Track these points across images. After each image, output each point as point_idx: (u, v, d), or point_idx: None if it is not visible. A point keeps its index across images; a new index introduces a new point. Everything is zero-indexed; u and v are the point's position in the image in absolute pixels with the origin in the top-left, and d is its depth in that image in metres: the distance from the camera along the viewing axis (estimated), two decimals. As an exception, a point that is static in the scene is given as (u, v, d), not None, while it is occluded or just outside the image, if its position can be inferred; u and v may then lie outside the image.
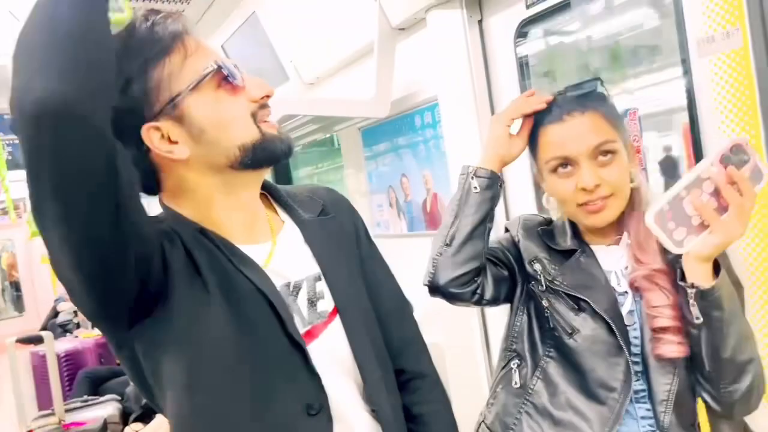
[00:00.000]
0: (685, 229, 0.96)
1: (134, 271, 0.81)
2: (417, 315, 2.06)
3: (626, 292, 1.15)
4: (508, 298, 1.30)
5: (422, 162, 2.38)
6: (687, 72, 1.43)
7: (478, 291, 1.23)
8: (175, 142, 0.87)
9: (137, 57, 0.86)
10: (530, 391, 1.20)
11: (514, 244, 1.30)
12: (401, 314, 1.14)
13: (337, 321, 0.99)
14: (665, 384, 1.10)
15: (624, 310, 1.14)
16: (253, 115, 0.91)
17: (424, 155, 2.37)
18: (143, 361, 0.88)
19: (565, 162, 1.14)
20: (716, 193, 0.95)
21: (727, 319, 1.00)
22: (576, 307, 1.16)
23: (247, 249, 0.94)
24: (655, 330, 1.10)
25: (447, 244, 1.21)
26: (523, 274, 1.26)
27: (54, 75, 0.69)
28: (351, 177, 2.90)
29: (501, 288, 1.27)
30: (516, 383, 1.23)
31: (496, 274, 1.26)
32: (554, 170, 1.16)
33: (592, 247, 1.22)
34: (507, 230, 1.34)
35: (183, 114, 0.87)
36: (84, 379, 4.37)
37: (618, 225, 1.19)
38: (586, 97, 1.17)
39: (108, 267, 0.78)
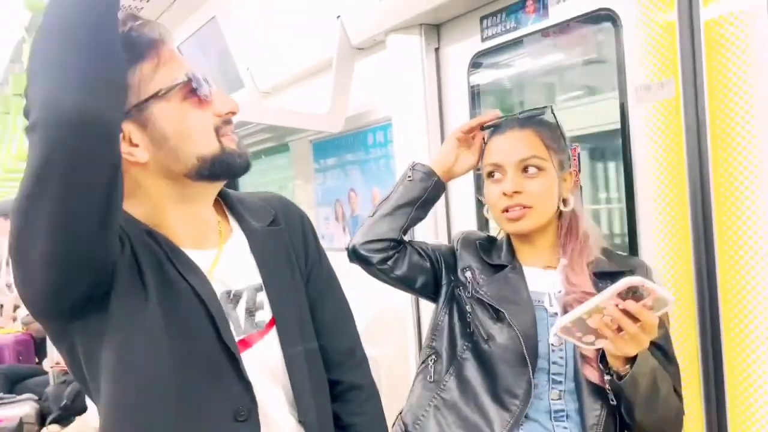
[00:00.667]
0: (592, 336, 1.05)
1: (102, 267, 0.84)
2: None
3: (557, 313, 1.24)
4: (428, 294, 1.42)
5: (372, 179, 2.43)
6: (624, 116, 1.54)
7: (389, 263, 1.36)
8: (136, 145, 0.89)
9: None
10: (442, 387, 1.30)
11: (453, 252, 1.41)
12: (341, 325, 1.17)
13: (273, 332, 1.01)
14: (596, 409, 1.19)
15: (552, 331, 1.21)
16: (216, 129, 0.93)
17: (374, 173, 2.42)
18: (81, 354, 0.89)
19: (496, 169, 1.31)
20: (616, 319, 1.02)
21: (641, 402, 1.11)
22: (495, 316, 1.27)
23: (192, 254, 0.95)
24: (581, 354, 1.18)
25: (370, 216, 1.40)
26: (453, 279, 1.38)
27: (82, 87, 0.74)
28: (299, 188, 2.93)
29: (416, 275, 1.39)
30: (430, 378, 1.33)
31: (416, 261, 1.39)
32: (488, 176, 1.34)
33: (529, 268, 1.31)
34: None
35: (148, 119, 0.89)
36: (0, 377, 4.18)
37: (555, 250, 1.29)
38: (531, 119, 1.34)
39: (85, 261, 0.81)
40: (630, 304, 1.00)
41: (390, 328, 2.07)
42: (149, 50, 0.89)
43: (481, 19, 1.90)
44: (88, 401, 2.85)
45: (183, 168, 0.91)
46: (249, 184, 3.00)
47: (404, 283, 1.41)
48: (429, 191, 1.38)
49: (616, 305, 1.00)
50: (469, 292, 1.32)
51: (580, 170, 1.55)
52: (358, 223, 2.51)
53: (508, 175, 1.28)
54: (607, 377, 1.12)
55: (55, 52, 0.76)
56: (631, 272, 1.24)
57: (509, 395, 1.22)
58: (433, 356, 1.35)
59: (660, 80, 1.45)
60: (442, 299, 1.39)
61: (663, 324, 1.22)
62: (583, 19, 1.64)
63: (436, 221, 2.07)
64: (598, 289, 1.20)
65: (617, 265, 1.27)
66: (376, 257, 1.37)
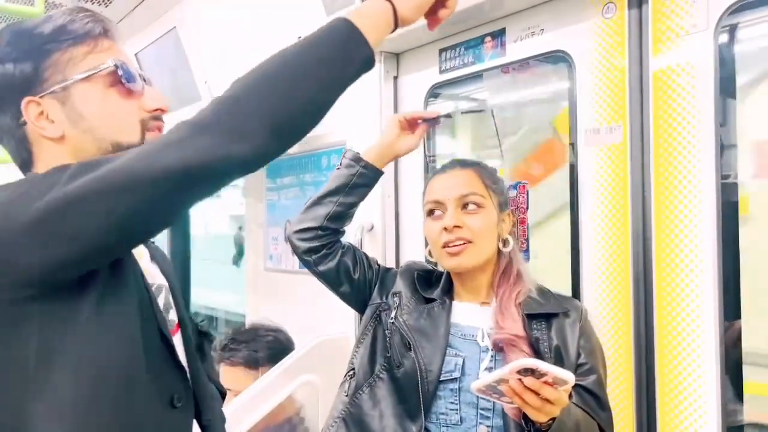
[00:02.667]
0: (507, 397, 1.08)
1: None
2: (296, 353, 2.07)
3: (487, 348, 1.25)
4: (349, 302, 1.46)
5: (323, 202, 2.41)
6: (573, 156, 1.56)
7: (314, 256, 1.40)
8: (51, 121, 0.90)
9: (43, 38, 0.90)
10: (354, 401, 1.33)
11: (393, 277, 1.44)
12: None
13: (179, 335, 1.04)
14: None
15: (482, 366, 1.25)
16: (142, 122, 0.95)
17: (326, 195, 2.40)
18: (35, 341, 0.81)
19: (437, 207, 1.33)
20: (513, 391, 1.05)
21: None
22: (408, 345, 1.29)
23: None
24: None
25: (304, 205, 1.44)
26: (382, 301, 1.40)
27: (283, 136, 0.83)
28: (250, 206, 2.88)
29: (341, 279, 1.42)
30: (345, 392, 1.37)
31: (347, 265, 1.42)
32: (429, 213, 1.36)
33: (465, 303, 1.33)
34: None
35: (67, 97, 0.90)
36: None
37: (492, 287, 1.30)
38: (473, 162, 1.39)
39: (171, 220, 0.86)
40: (528, 381, 1.03)
41: (331, 353, 2.03)
42: (86, 38, 0.91)
43: (440, 51, 1.92)
44: None
45: (96, 150, 0.92)
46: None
47: (327, 282, 1.44)
48: (355, 177, 1.40)
49: (519, 380, 1.03)
50: (391, 318, 1.34)
51: (528, 207, 1.56)
52: (307, 246, 2.48)
53: (449, 210, 1.31)
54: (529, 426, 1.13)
55: (291, 91, 0.83)
56: (566, 314, 1.26)
57: (411, 421, 1.26)
58: (351, 372, 1.39)
59: (609, 125, 1.48)
60: (367, 317, 1.41)
61: (596, 370, 1.23)
62: (539, 59, 1.67)
63: (385, 252, 2.06)
64: (531, 330, 1.22)
65: (552, 306, 1.29)
66: (302, 246, 1.40)
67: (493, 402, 1.21)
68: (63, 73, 0.90)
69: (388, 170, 2.06)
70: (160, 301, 1.00)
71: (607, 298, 1.49)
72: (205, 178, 0.79)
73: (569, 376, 1.03)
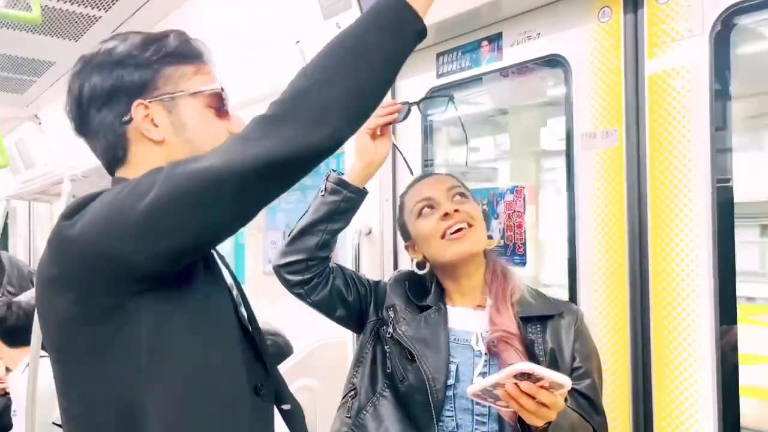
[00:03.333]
0: (502, 401, 1.08)
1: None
2: (294, 357, 2.07)
3: (480, 351, 1.25)
4: (346, 324, 1.44)
5: (322, 206, 2.41)
6: (569, 160, 1.56)
7: (306, 288, 1.35)
8: (156, 125, 0.98)
9: (167, 52, 1.00)
10: (358, 423, 1.31)
11: (383, 289, 1.41)
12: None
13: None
14: None
15: (476, 371, 1.23)
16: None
17: (325, 200, 2.40)
18: (144, 333, 0.88)
19: (429, 204, 1.34)
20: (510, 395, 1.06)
21: None
22: (410, 357, 1.27)
23: None
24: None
25: (288, 236, 1.37)
26: (380, 317, 1.36)
27: (356, 121, 0.90)
28: (249, 210, 2.89)
29: (335, 302, 1.38)
30: (347, 414, 1.34)
31: (339, 289, 1.38)
32: (419, 213, 1.35)
33: (458, 308, 1.32)
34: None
35: (174, 107, 0.99)
36: None
37: (483, 290, 1.29)
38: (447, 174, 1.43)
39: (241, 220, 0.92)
40: (525, 385, 1.03)
41: (328, 357, 2.04)
42: (196, 59, 1.02)
43: (438, 55, 1.93)
44: (16, 419, 2.71)
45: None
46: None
47: (322, 310, 1.40)
48: (342, 202, 1.34)
49: (515, 384, 1.03)
50: (389, 333, 1.32)
51: (525, 211, 1.57)
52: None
53: (442, 202, 1.33)
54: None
55: (365, 79, 0.89)
56: (561, 316, 1.26)
57: None
58: (352, 392, 1.36)
59: (605, 129, 1.48)
60: (366, 335, 1.38)
61: (591, 374, 1.23)
62: (535, 63, 1.67)
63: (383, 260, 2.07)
64: (526, 332, 1.21)
65: (547, 308, 1.29)
66: (293, 279, 1.35)
67: (489, 407, 1.20)
68: (174, 85, 0.99)
69: (386, 175, 2.06)
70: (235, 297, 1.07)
71: (604, 302, 1.49)
72: (292, 167, 0.86)
73: (566, 381, 1.03)
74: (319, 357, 2.05)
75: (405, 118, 1.40)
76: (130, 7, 2.85)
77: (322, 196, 1.35)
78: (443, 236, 1.30)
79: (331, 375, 2.16)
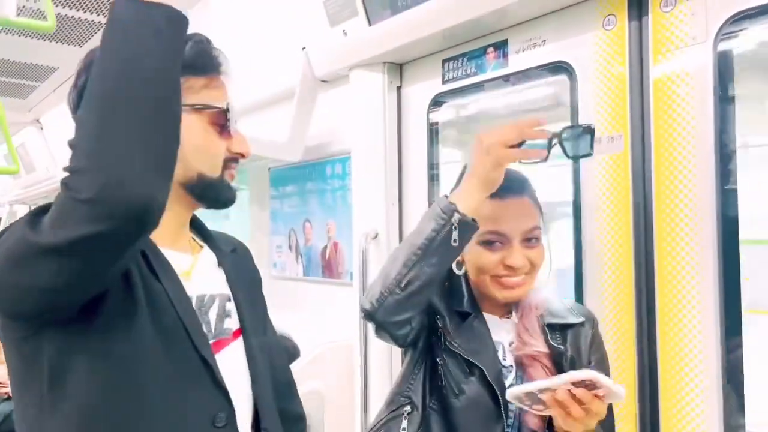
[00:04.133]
0: (542, 406, 1.07)
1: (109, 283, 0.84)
2: (301, 360, 2.08)
3: (511, 365, 1.22)
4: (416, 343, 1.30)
5: (327, 210, 2.44)
6: (576, 166, 1.59)
7: (409, 338, 1.24)
8: None
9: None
10: None
11: None
12: (285, 356, 1.23)
13: (239, 341, 1.04)
14: None
15: (506, 383, 1.20)
16: (225, 161, 1.01)
17: (331, 204, 2.42)
18: (47, 359, 0.85)
19: (498, 238, 1.21)
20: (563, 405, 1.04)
21: None
22: (467, 370, 1.20)
23: (169, 254, 0.97)
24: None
25: (401, 288, 1.13)
26: (431, 325, 1.27)
27: (153, 177, 0.74)
28: (255, 214, 2.90)
29: (421, 333, 1.26)
30: (404, 429, 1.25)
31: (423, 320, 1.25)
32: (485, 242, 1.22)
33: (487, 316, 1.27)
34: None
35: None
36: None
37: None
38: (522, 179, 1.27)
39: (99, 281, 0.81)
40: (580, 392, 1.01)
41: (336, 360, 2.05)
42: (209, 71, 0.99)
43: (443, 61, 1.95)
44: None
45: (183, 176, 0.96)
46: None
47: (410, 346, 1.29)
48: (463, 246, 1.15)
49: (568, 390, 1.02)
50: (441, 343, 1.23)
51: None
52: (311, 254, 2.51)
53: (514, 246, 1.20)
54: None
55: (127, 118, 0.73)
56: (582, 324, 1.26)
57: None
58: (409, 407, 1.26)
59: (611, 134, 1.51)
60: (420, 346, 1.28)
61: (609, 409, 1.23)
62: (541, 70, 1.69)
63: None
64: (549, 342, 1.20)
65: (570, 317, 1.27)
66: (400, 334, 1.22)
67: (513, 418, 1.20)
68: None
69: (392, 178, 2.09)
70: (213, 311, 1.01)
71: (610, 305, 1.51)
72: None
73: (622, 392, 1.01)
74: (327, 360, 2.07)
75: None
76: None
77: (455, 244, 1.11)
78: (497, 278, 1.22)
79: (339, 378, 2.18)
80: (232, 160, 1.03)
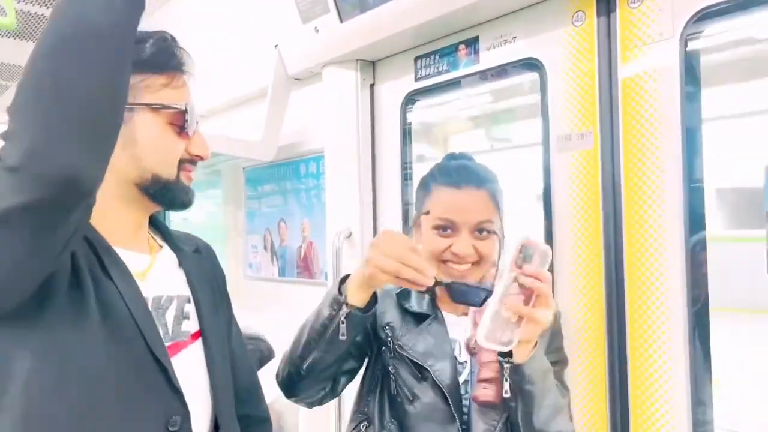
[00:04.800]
0: (509, 331, 1.07)
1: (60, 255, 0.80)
2: (276, 362, 2.05)
3: (466, 361, 1.23)
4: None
5: (302, 209, 2.42)
6: (547, 162, 1.59)
7: (329, 394, 1.26)
8: None
9: (138, 57, 0.92)
10: None
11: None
12: (247, 361, 1.19)
13: (198, 344, 1.02)
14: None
15: (461, 379, 1.21)
16: (180, 161, 0.99)
17: (305, 203, 2.41)
18: None
19: (448, 225, 1.25)
20: (521, 289, 1.06)
21: (538, 393, 1.11)
22: (419, 374, 1.21)
23: (125, 254, 0.95)
24: (480, 381, 1.18)
25: (302, 374, 1.17)
26: (377, 338, 1.28)
27: (83, 148, 0.73)
28: (230, 214, 2.87)
29: (354, 374, 1.29)
30: None
31: (351, 368, 1.27)
32: (437, 227, 1.26)
33: (446, 314, 1.28)
34: None
35: (130, 119, 0.92)
36: None
37: None
38: (484, 173, 1.30)
39: (45, 258, 0.78)
40: (530, 269, 1.05)
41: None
42: (170, 69, 0.97)
43: (416, 59, 1.94)
44: None
45: (137, 177, 0.95)
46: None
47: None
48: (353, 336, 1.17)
49: (519, 279, 1.05)
50: (390, 352, 1.24)
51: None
52: (286, 254, 2.49)
53: (462, 235, 1.24)
54: (506, 366, 1.11)
55: (56, 69, 0.71)
56: None
57: None
58: (365, 422, 1.27)
59: (580, 131, 1.50)
60: (372, 359, 1.30)
61: (562, 364, 1.26)
62: (512, 66, 1.69)
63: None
64: (500, 371, 1.16)
65: None
66: (317, 399, 1.26)
67: (467, 415, 1.20)
68: (135, 95, 0.92)
69: (366, 176, 2.07)
70: (170, 313, 0.99)
71: (581, 300, 1.51)
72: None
73: (549, 249, 1.06)
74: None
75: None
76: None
77: (343, 338, 1.12)
78: (444, 263, 1.25)
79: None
80: (189, 161, 1.01)
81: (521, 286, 1.06)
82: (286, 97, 2.30)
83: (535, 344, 1.11)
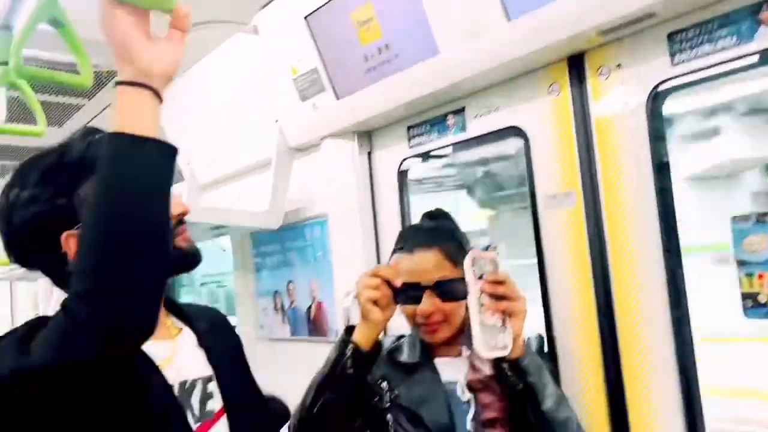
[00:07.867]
0: (501, 335, 1.20)
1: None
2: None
3: (469, 400, 1.33)
4: None
5: (310, 270, 2.54)
6: (536, 221, 1.72)
7: None
8: None
9: (71, 171, 0.94)
10: None
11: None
12: (277, 420, 1.31)
13: (223, 420, 1.08)
14: None
15: (468, 417, 1.31)
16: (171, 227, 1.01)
17: (312, 264, 2.52)
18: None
19: (410, 289, 1.33)
20: (489, 296, 1.20)
21: (539, 384, 1.22)
22: (415, 420, 1.30)
23: (148, 346, 0.98)
24: (484, 423, 1.29)
25: (313, 420, 1.26)
26: (367, 392, 1.35)
27: (152, 306, 0.79)
28: (240, 279, 2.99)
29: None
30: None
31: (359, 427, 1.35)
32: (404, 293, 1.32)
33: (439, 359, 1.39)
34: None
35: None
36: None
37: (462, 338, 1.40)
38: (435, 233, 1.42)
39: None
40: (492, 278, 1.20)
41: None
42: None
43: (409, 128, 2.10)
44: None
45: None
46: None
47: None
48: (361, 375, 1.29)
49: (482, 288, 1.19)
50: (387, 402, 1.33)
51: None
52: (296, 314, 2.60)
53: (424, 297, 1.33)
54: (505, 365, 1.23)
55: (127, 250, 0.76)
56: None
57: None
58: None
59: (564, 191, 1.65)
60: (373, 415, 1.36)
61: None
62: (497, 134, 1.84)
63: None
64: (499, 372, 1.27)
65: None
66: None
67: None
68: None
69: (369, 238, 2.19)
70: (195, 396, 1.04)
71: (577, 330, 1.62)
72: None
73: (496, 256, 1.23)
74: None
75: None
76: (113, 93, 2.99)
77: (350, 373, 1.25)
78: (420, 326, 1.36)
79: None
80: (177, 224, 1.05)
81: (490, 294, 1.20)
82: (289, 167, 2.44)
83: (523, 342, 1.23)
